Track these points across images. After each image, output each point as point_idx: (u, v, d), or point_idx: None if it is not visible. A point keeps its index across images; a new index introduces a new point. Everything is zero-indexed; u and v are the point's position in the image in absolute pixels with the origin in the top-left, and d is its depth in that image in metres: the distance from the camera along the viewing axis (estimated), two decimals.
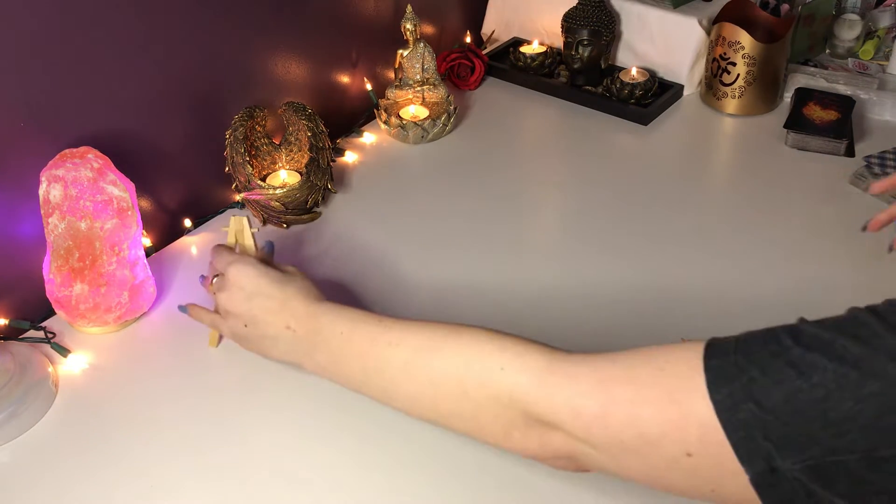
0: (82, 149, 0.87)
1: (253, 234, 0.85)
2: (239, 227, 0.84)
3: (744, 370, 0.48)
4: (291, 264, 0.80)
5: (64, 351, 0.89)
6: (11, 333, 0.91)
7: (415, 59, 1.26)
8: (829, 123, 1.18)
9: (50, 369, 0.86)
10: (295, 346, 0.73)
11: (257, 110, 1.06)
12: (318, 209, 1.11)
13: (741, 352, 0.49)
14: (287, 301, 0.73)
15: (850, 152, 1.17)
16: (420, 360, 0.64)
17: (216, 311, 0.80)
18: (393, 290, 0.97)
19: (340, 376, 0.71)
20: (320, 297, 0.75)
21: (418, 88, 1.28)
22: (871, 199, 1.08)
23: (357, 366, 0.69)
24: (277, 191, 1.04)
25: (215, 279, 0.80)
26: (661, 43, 1.34)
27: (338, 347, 0.70)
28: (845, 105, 1.21)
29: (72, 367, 0.88)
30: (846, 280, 0.95)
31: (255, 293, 0.74)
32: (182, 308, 0.86)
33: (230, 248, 0.82)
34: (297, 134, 1.11)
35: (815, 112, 1.20)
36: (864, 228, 0.91)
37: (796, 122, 1.19)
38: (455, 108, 1.27)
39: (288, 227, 1.08)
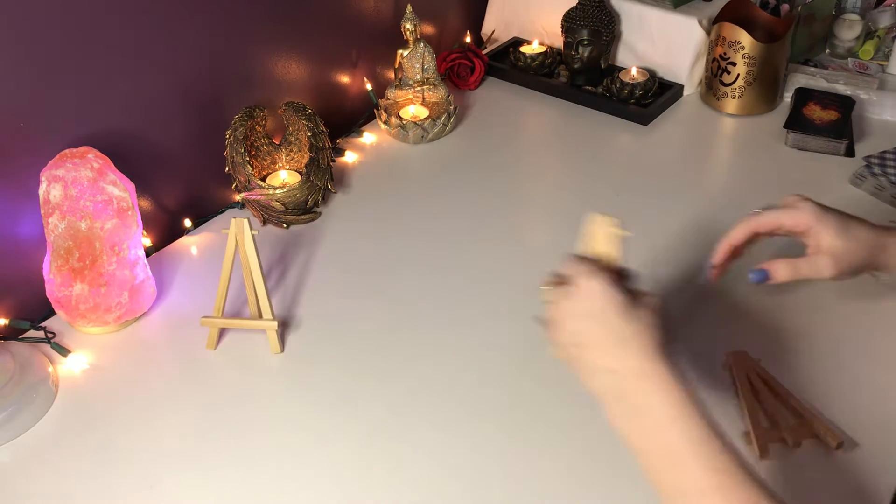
0: (82, 149, 0.88)
1: (253, 236, 0.85)
2: (239, 229, 0.84)
3: None
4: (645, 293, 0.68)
5: (64, 351, 0.89)
6: (11, 333, 0.91)
7: (415, 59, 1.26)
8: (829, 123, 1.18)
9: (50, 369, 0.86)
10: (609, 387, 0.65)
11: (257, 110, 1.06)
12: (318, 209, 1.11)
13: None
14: (625, 341, 0.64)
15: (849, 152, 1.17)
16: None
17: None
18: (393, 290, 0.97)
19: (630, 441, 0.63)
20: (658, 348, 0.64)
21: (418, 88, 1.28)
22: (872, 200, 1.08)
23: (655, 458, 0.61)
24: (277, 191, 1.04)
25: (556, 283, 0.70)
26: (661, 43, 1.34)
27: (651, 430, 0.61)
28: (845, 105, 1.21)
29: (72, 367, 0.88)
30: (847, 280, 0.95)
31: (595, 313, 0.66)
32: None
33: (592, 260, 0.71)
34: (297, 134, 1.11)
35: (815, 112, 1.20)
36: (705, 281, 0.85)
37: (796, 122, 1.19)
38: (455, 108, 1.27)
39: (288, 227, 1.08)
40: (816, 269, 0.77)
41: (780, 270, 0.78)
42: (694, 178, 1.17)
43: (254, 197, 1.05)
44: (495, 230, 1.06)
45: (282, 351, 0.90)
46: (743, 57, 1.23)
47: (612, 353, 0.64)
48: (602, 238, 0.72)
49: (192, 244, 1.06)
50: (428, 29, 1.41)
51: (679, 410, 0.60)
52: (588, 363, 0.66)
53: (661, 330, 0.66)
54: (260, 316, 0.88)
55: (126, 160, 0.93)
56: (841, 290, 0.93)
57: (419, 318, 0.93)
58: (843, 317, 0.90)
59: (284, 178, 1.11)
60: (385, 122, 1.25)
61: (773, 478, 0.73)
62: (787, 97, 1.30)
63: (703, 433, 0.59)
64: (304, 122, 1.07)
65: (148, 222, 1.04)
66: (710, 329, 0.90)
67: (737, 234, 0.81)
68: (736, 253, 0.83)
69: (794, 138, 1.19)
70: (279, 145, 1.13)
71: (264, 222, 1.08)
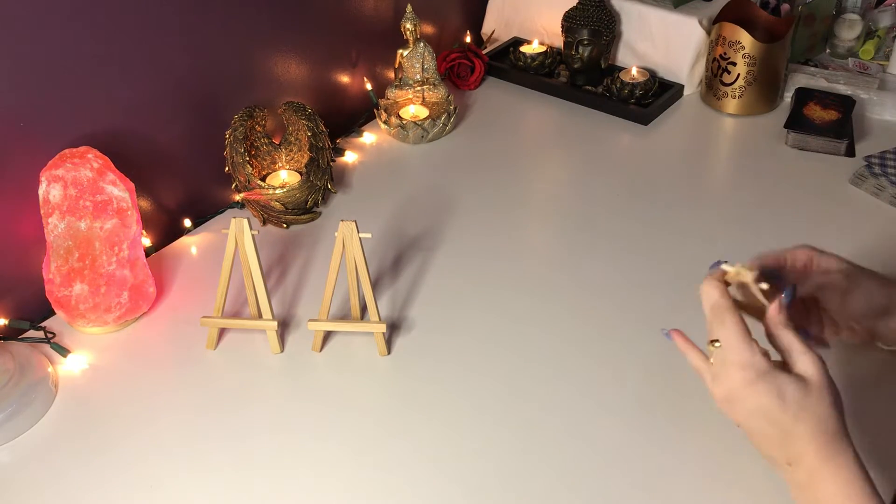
0: (82, 149, 0.88)
1: (253, 236, 0.85)
2: (239, 229, 0.84)
3: None
4: (814, 351, 0.63)
5: (64, 351, 0.89)
6: (11, 333, 0.91)
7: (415, 59, 1.25)
8: (830, 123, 1.18)
9: (49, 369, 0.86)
10: (787, 475, 0.63)
11: (257, 110, 1.06)
12: (317, 209, 1.11)
13: None
14: (793, 440, 0.61)
15: (850, 152, 1.17)
16: None
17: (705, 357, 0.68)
18: (391, 290, 0.97)
19: None
20: (834, 438, 0.61)
21: (418, 88, 1.28)
22: (872, 200, 1.08)
23: None
24: (277, 191, 1.04)
25: (717, 343, 0.65)
26: (662, 43, 1.34)
27: None
28: (846, 105, 1.21)
29: (71, 367, 0.88)
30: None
31: (756, 410, 0.62)
32: (665, 333, 0.72)
33: (735, 307, 0.66)
34: (297, 134, 1.11)
35: (816, 112, 1.20)
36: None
37: (796, 122, 1.19)
38: (455, 108, 1.27)
39: (288, 227, 1.08)
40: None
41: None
42: (694, 178, 1.17)
43: (254, 197, 1.05)
44: (495, 230, 1.06)
45: (281, 351, 0.90)
46: (743, 57, 1.23)
47: (784, 450, 0.62)
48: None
49: (191, 244, 1.06)
50: (428, 29, 1.41)
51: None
52: (763, 450, 0.64)
53: (836, 410, 0.62)
54: (260, 316, 0.88)
55: (126, 160, 0.93)
56: None
57: (419, 318, 0.93)
58: None
59: (284, 178, 1.11)
60: (385, 122, 1.25)
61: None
62: (788, 97, 1.30)
63: None
64: (304, 121, 1.07)
65: (148, 222, 1.04)
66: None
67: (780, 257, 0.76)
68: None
69: (795, 138, 1.19)
70: (279, 145, 1.13)
71: (264, 222, 1.08)
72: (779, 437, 0.61)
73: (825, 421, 0.61)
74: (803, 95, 1.24)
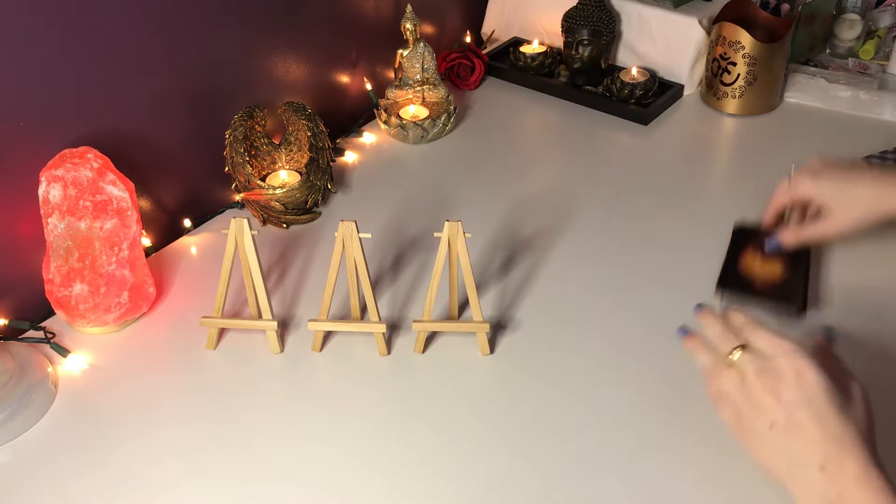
0: (82, 149, 0.88)
1: (253, 236, 0.85)
2: (239, 229, 0.84)
3: None
4: (846, 372, 0.64)
5: (63, 351, 0.89)
6: (11, 333, 0.91)
7: (415, 59, 1.26)
8: (772, 282, 0.90)
9: (49, 369, 0.86)
10: (813, 483, 0.59)
11: (257, 110, 1.06)
12: (317, 209, 1.11)
13: None
14: (837, 441, 0.59)
15: (801, 313, 0.88)
16: None
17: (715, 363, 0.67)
18: (391, 290, 0.97)
19: None
20: (873, 450, 0.59)
21: (418, 88, 1.28)
22: None
23: None
24: (277, 191, 1.04)
25: (738, 350, 0.65)
26: (662, 43, 1.34)
27: None
28: (797, 258, 0.91)
29: (71, 367, 0.88)
30: (845, 279, 0.95)
31: (806, 403, 0.60)
32: (683, 330, 0.72)
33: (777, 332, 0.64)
34: (297, 134, 1.11)
35: (755, 264, 0.92)
36: (774, 248, 0.91)
37: (730, 279, 0.91)
38: (455, 108, 1.27)
39: (287, 227, 1.08)
40: (820, 230, 0.88)
41: (788, 237, 0.90)
42: (694, 178, 1.17)
43: (253, 197, 1.05)
44: (495, 230, 1.06)
45: (281, 351, 0.90)
46: (743, 57, 1.23)
47: (825, 449, 0.59)
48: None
49: (191, 244, 1.06)
50: (428, 29, 1.41)
51: None
52: (784, 450, 0.61)
53: (873, 429, 0.61)
54: (260, 316, 0.88)
55: (126, 160, 0.93)
56: (843, 286, 0.94)
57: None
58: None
59: (284, 178, 1.11)
60: (385, 122, 1.25)
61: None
62: (788, 97, 1.30)
63: None
64: (303, 122, 1.07)
65: (148, 222, 1.04)
66: None
67: (769, 212, 0.93)
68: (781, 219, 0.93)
69: (731, 298, 0.90)
70: (279, 145, 1.13)
71: (264, 222, 1.08)
72: (825, 436, 0.59)
73: (870, 431, 0.60)
74: (740, 238, 0.96)
